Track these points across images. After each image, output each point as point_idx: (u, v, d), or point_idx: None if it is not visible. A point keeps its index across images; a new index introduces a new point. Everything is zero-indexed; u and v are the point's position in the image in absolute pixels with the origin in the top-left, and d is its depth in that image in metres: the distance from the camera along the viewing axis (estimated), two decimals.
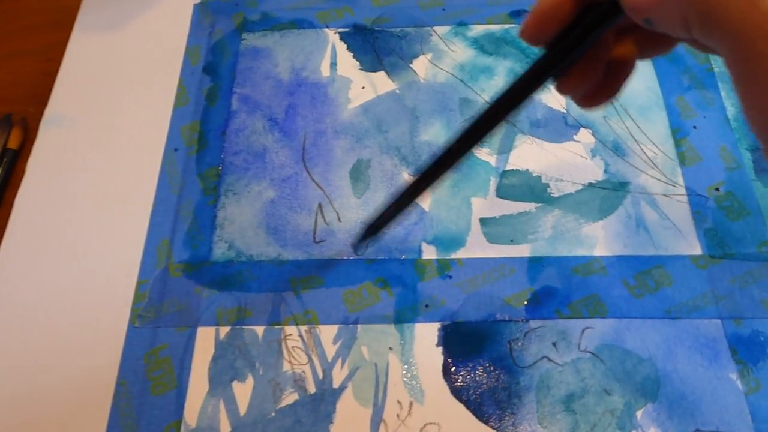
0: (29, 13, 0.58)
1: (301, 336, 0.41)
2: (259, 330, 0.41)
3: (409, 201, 0.37)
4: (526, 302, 0.42)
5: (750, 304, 0.41)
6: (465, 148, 0.32)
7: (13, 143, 0.49)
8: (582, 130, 0.48)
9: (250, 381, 0.40)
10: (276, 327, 0.41)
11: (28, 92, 0.53)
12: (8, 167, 0.48)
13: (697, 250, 0.43)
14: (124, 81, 0.52)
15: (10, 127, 0.50)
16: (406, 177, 0.46)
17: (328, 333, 0.41)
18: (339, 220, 0.45)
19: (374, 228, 0.40)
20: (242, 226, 0.45)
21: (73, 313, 0.42)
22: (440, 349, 0.40)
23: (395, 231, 0.44)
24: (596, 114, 0.48)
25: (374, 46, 0.53)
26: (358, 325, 0.41)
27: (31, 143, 0.49)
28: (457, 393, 0.39)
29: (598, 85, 0.30)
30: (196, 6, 0.56)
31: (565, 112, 0.49)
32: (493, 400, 0.39)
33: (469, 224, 0.44)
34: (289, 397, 0.39)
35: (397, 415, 0.38)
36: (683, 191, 0.45)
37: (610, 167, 0.46)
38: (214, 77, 0.51)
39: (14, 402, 0.40)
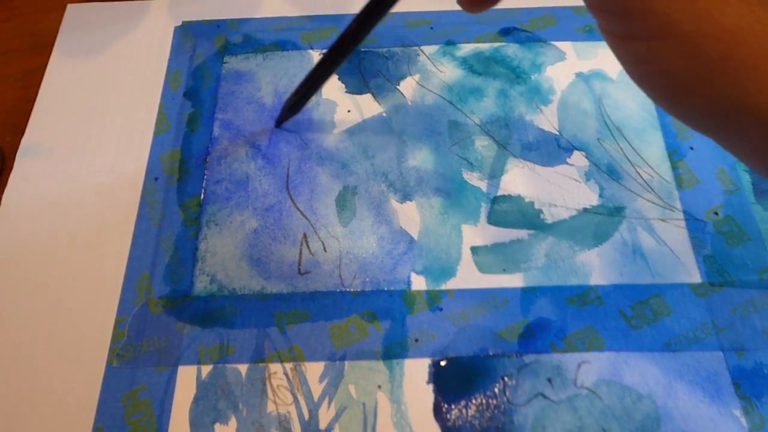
0: (5, 38, 0.56)
1: (286, 374, 0.39)
2: (243, 368, 0.40)
3: (323, 76, 0.43)
4: (519, 335, 0.40)
5: (752, 335, 0.40)
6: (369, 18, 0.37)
7: None
8: (575, 152, 0.46)
9: (233, 423, 0.38)
10: (260, 365, 0.40)
11: (4, 121, 0.51)
12: None
13: (696, 277, 0.42)
14: (103, 108, 0.50)
15: None
16: (393, 204, 0.44)
17: (314, 370, 0.39)
18: (325, 250, 0.43)
19: (293, 106, 0.45)
20: (224, 258, 0.43)
21: (47, 352, 0.40)
22: (431, 386, 0.39)
23: (383, 261, 0.42)
24: (590, 136, 0.47)
25: (360, 68, 0.51)
26: (346, 362, 0.40)
27: (7, 173, 0.48)
28: None
29: None
30: (177, 28, 0.54)
31: (557, 134, 0.47)
32: None
33: (459, 253, 0.43)
34: None
35: None
36: (681, 215, 0.44)
37: (605, 191, 0.45)
38: (196, 102, 0.50)
39: None
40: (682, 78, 0.22)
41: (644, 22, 0.22)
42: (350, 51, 0.41)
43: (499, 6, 0.54)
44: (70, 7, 0.57)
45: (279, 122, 0.48)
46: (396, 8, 0.53)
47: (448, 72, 0.50)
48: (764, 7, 0.21)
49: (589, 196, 0.45)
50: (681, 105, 0.24)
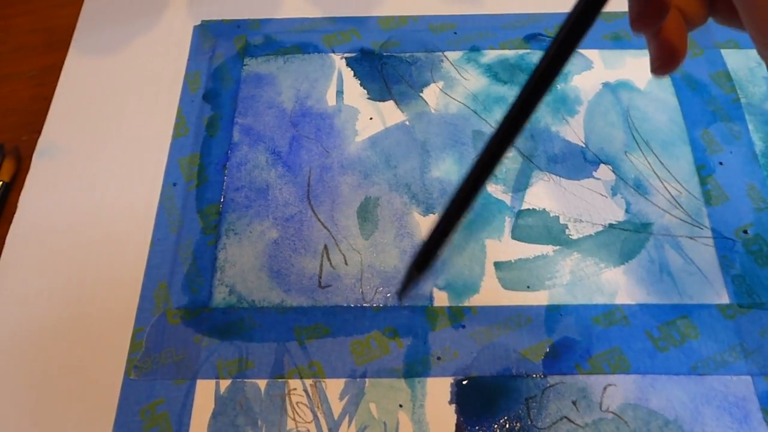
0: (21, 34, 0.55)
1: (306, 390, 0.39)
2: (262, 383, 0.39)
3: (453, 223, 0.31)
4: (543, 356, 0.39)
5: None
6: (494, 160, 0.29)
7: (5, 175, 0.47)
8: (602, 166, 0.45)
9: None
10: (279, 380, 0.39)
11: (20, 119, 0.51)
12: (0, 201, 0.46)
13: (724, 298, 0.41)
14: (121, 108, 0.50)
15: (3, 158, 0.48)
16: (416, 217, 0.44)
17: (334, 387, 0.39)
18: (346, 263, 0.42)
19: (419, 265, 0.32)
20: (244, 269, 0.42)
21: (65, 363, 0.40)
22: (453, 406, 0.38)
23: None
24: (617, 149, 0.46)
25: (382, 73, 0.50)
26: (366, 379, 0.39)
27: (24, 174, 0.47)
28: None
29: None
30: (196, 28, 0.53)
31: (584, 146, 0.46)
32: None
33: (483, 269, 0.42)
34: None
35: None
36: (709, 233, 0.43)
37: (632, 207, 0.44)
38: (215, 106, 0.49)
39: None
40: None
41: None
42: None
43: (524, 11, 0.53)
44: (87, 2, 0.56)
45: (404, 293, 0.34)
46: (419, 11, 0.52)
47: (472, 80, 0.50)
48: None
49: (615, 212, 0.44)
50: None
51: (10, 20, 0.56)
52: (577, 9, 0.25)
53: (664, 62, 0.30)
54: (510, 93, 0.49)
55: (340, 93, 0.49)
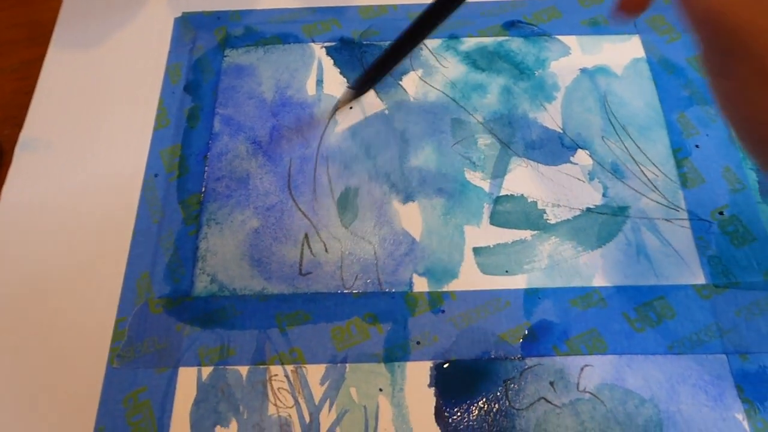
0: (4, 28, 0.56)
1: (287, 376, 0.39)
2: (243, 370, 0.39)
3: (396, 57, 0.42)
4: (522, 338, 0.40)
5: (756, 338, 0.39)
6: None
7: None
8: (579, 151, 0.46)
9: (233, 426, 0.38)
10: (261, 367, 0.39)
11: (2, 114, 0.51)
12: None
13: (700, 278, 0.41)
14: (102, 101, 0.50)
15: None
16: (395, 205, 0.44)
17: (315, 373, 0.39)
18: (326, 251, 0.43)
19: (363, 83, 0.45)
20: (225, 258, 0.43)
21: (49, 352, 0.40)
22: (432, 389, 0.38)
23: (385, 262, 0.42)
24: (594, 134, 0.46)
25: (362, 62, 0.50)
26: (347, 364, 0.39)
27: (6, 168, 0.47)
28: None
29: None
30: (177, 20, 0.53)
31: (561, 132, 0.46)
32: None
33: (462, 254, 0.42)
34: None
35: None
36: (685, 215, 0.43)
37: (609, 191, 0.44)
38: (196, 97, 0.49)
39: None
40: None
41: (745, 62, 0.22)
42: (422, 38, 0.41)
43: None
44: None
45: (357, 86, 0.48)
46: (398, 0, 0.52)
47: (451, 67, 0.50)
48: None
49: (592, 196, 0.44)
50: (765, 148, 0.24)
51: None
52: None
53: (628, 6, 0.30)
54: (488, 80, 0.49)
55: (320, 82, 0.49)
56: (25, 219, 0.45)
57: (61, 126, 0.49)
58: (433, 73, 0.50)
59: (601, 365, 0.39)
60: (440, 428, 0.37)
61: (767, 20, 0.21)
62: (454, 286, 0.41)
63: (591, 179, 0.45)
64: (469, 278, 0.42)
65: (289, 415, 0.38)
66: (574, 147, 0.46)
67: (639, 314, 0.40)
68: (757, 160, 0.27)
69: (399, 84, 0.49)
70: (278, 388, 0.39)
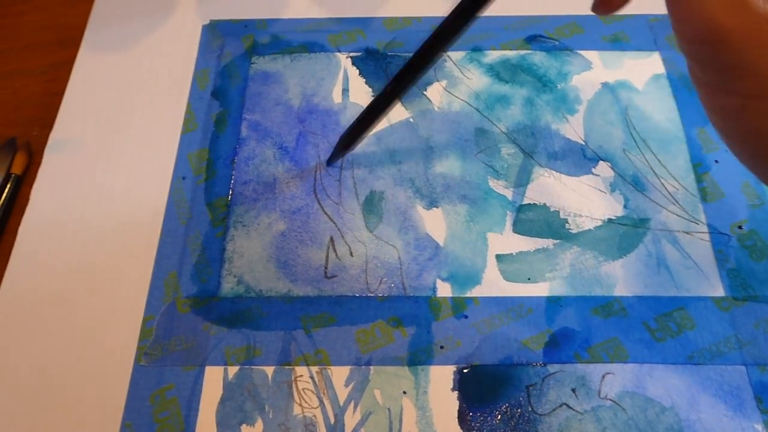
0: (33, 31, 0.57)
1: (312, 377, 0.40)
2: (269, 370, 0.40)
3: (378, 114, 0.41)
4: (544, 345, 0.40)
5: None
6: (429, 55, 0.36)
7: (17, 168, 0.48)
8: (601, 163, 0.47)
9: (259, 425, 0.38)
10: (286, 367, 0.40)
11: (32, 114, 0.52)
12: (12, 193, 0.47)
13: (719, 291, 0.42)
14: (131, 104, 0.51)
15: (14, 152, 0.49)
16: (420, 210, 0.45)
17: (339, 374, 0.40)
18: (351, 254, 0.43)
19: (346, 142, 0.44)
20: (251, 260, 0.43)
21: (77, 351, 0.41)
22: (456, 393, 0.39)
23: (409, 267, 0.43)
24: (615, 147, 0.47)
25: (387, 72, 0.51)
26: (371, 367, 0.40)
27: (35, 168, 0.48)
28: None
29: None
30: (205, 27, 0.54)
31: (583, 143, 0.47)
32: None
33: (485, 261, 0.43)
34: None
35: None
36: (705, 229, 0.44)
37: (630, 202, 0.45)
38: (223, 102, 0.50)
39: None
40: None
41: (744, 81, 0.22)
42: (407, 88, 0.39)
43: (525, 13, 0.54)
44: (98, 0, 0.57)
45: (331, 160, 0.47)
46: (423, 12, 0.53)
47: (474, 79, 0.51)
48: None
49: (614, 207, 0.45)
50: (765, 166, 0.24)
51: (22, 17, 0.57)
52: None
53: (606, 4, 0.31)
54: (512, 92, 0.50)
55: (345, 91, 0.50)
56: (54, 219, 0.46)
57: (90, 127, 0.50)
58: (457, 84, 0.50)
59: (622, 373, 0.39)
60: (463, 431, 0.38)
61: None
62: (477, 292, 0.42)
63: (612, 191, 0.45)
64: (492, 285, 0.42)
65: (314, 416, 0.39)
66: (595, 159, 0.47)
67: (659, 324, 0.41)
68: (759, 175, 0.27)
69: (423, 94, 0.50)
70: (303, 389, 0.39)
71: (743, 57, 0.22)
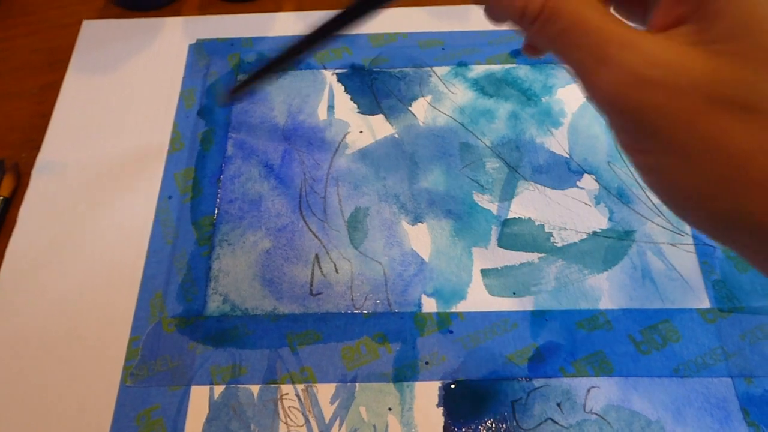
0: (22, 54, 0.57)
1: (297, 395, 0.40)
2: (255, 389, 0.40)
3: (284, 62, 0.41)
4: (529, 359, 0.40)
5: (761, 362, 0.40)
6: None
7: (5, 190, 0.48)
8: (586, 176, 0.47)
9: None
10: (272, 385, 0.40)
11: (20, 136, 0.52)
12: (0, 215, 0.47)
13: (705, 303, 0.42)
14: (118, 125, 0.51)
15: (3, 174, 0.49)
16: (405, 226, 0.45)
17: (325, 392, 0.40)
18: (336, 271, 0.44)
19: (245, 84, 0.45)
20: (237, 278, 0.44)
21: (63, 371, 0.41)
22: (441, 409, 0.39)
23: (394, 283, 0.43)
24: (600, 159, 0.47)
25: (372, 88, 0.52)
26: (357, 384, 0.40)
27: (23, 190, 0.48)
28: None
29: None
30: (191, 46, 0.55)
31: (568, 157, 0.47)
32: None
33: (470, 275, 0.43)
34: None
35: None
36: (690, 240, 0.44)
37: (615, 215, 0.45)
38: (209, 121, 0.50)
39: None
40: (689, 192, 0.22)
41: (652, 139, 0.22)
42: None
43: (509, 28, 0.55)
44: (86, 22, 0.57)
45: (232, 93, 0.48)
46: (408, 28, 0.54)
47: (459, 93, 0.51)
48: None
49: (599, 220, 0.45)
50: (688, 216, 0.24)
51: (13, 41, 0.58)
52: None
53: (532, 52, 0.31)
54: (496, 106, 0.50)
55: (331, 108, 0.51)
56: (41, 240, 0.46)
57: (78, 149, 0.50)
58: (441, 99, 0.51)
59: (607, 387, 0.39)
60: None
61: (670, 100, 0.21)
62: (462, 307, 0.42)
63: (597, 203, 0.46)
64: (477, 299, 0.42)
65: None
66: (580, 172, 0.47)
67: (645, 337, 0.41)
68: (691, 225, 0.27)
69: (408, 110, 0.50)
70: (289, 407, 0.39)
71: (649, 119, 0.22)
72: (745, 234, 0.22)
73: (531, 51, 0.31)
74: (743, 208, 0.21)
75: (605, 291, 0.42)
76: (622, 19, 0.24)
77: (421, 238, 0.44)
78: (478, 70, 0.52)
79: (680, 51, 0.21)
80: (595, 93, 0.23)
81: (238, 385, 0.40)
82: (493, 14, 0.27)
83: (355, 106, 0.51)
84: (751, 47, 0.20)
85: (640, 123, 0.22)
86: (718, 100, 0.20)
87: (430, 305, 0.42)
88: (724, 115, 0.20)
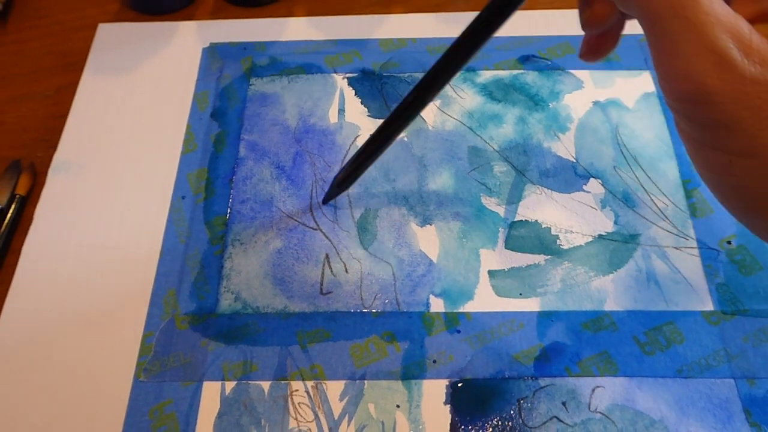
0: (39, 56, 0.58)
1: (307, 392, 0.40)
2: (265, 385, 0.41)
3: (374, 154, 0.42)
4: (535, 359, 0.41)
5: (764, 364, 0.40)
6: (423, 98, 0.36)
7: (22, 189, 0.49)
8: (592, 180, 0.47)
9: None
10: (282, 382, 0.41)
11: (37, 136, 0.53)
12: (16, 214, 0.48)
13: (709, 305, 0.43)
14: (132, 126, 0.52)
15: (19, 173, 0.50)
16: (414, 227, 0.46)
17: (334, 389, 0.41)
18: (346, 271, 0.44)
19: (342, 182, 0.44)
20: (249, 277, 0.44)
21: (78, 366, 0.42)
22: (448, 407, 0.40)
23: (403, 283, 0.44)
24: (606, 164, 0.48)
25: (382, 92, 0.52)
26: (365, 381, 0.41)
27: (39, 189, 0.49)
28: None
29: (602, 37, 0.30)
30: (204, 50, 0.56)
31: (574, 161, 0.48)
32: None
33: (477, 277, 0.44)
34: None
35: None
36: (694, 244, 0.45)
37: (620, 218, 0.46)
38: (222, 123, 0.51)
39: None
40: (758, 196, 0.22)
41: (732, 139, 0.22)
42: (401, 129, 0.40)
43: (518, 33, 0.56)
44: (101, 26, 0.58)
45: (327, 199, 0.47)
46: (418, 34, 0.55)
47: (468, 98, 0.52)
48: None
49: (604, 223, 0.46)
50: (752, 219, 0.24)
51: (28, 44, 0.59)
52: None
53: (593, 54, 0.31)
54: (504, 111, 0.51)
55: (341, 111, 0.52)
56: (56, 239, 0.47)
57: (93, 149, 0.51)
58: (450, 103, 0.52)
59: (612, 387, 0.40)
60: None
61: (757, 99, 0.21)
62: (469, 307, 0.43)
63: (603, 207, 0.46)
64: (484, 300, 0.43)
65: (309, 429, 0.39)
66: (586, 176, 0.48)
67: (649, 338, 0.41)
68: (747, 226, 0.27)
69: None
70: (299, 403, 0.40)
71: (729, 116, 0.22)
72: None
73: (589, 55, 0.31)
74: None
75: (610, 293, 0.43)
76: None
77: (430, 240, 0.45)
78: (486, 75, 0.53)
79: None
80: (676, 76, 0.22)
81: (249, 382, 0.41)
82: None
83: (366, 109, 0.52)
84: None
85: (723, 118, 0.22)
86: None
87: (438, 305, 0.43)
88: None
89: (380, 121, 0.48)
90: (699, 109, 0.23)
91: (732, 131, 0.22)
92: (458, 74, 0.35)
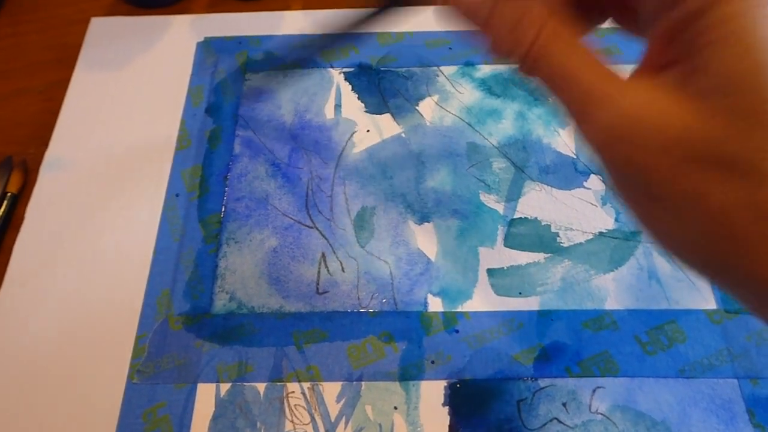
0: (31, 51, 0.57)
1: (303, 393, 0.40)
2: (261, 387, 0.40)
3: None
4: (535, 359, 0.40)
5: (767, 363, 0.40)
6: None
7: (13, 187, 0.48)
8: (592, 176, 0.47)
9: None
10: (278, 384, 0.40)
11: (29, 133, 0.52)
12: (8, 212, 0.48)
13: (711, 304, 0.42)
14: (126, 122, 0.51)
15: (11, 170, 0.49)
16: (411, 225, 0.45)
17: (331, 390, 0.40)
18: (343, 270, 0.44)
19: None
20: (244, 276, 0.44)
21: (70, 367, 0.41)
22: (446, 408, 0.39)
23: (400, 282, 0.43)
24: None
25: (379, 87, 0.52)
26: (362, 382, 0.40)
27: (31, 186, 0.49)
28: None
29: None
30: (199, 44, 0.55)
31: (575, 157, 0.47)
32: None
33: (476, 275, 0.43)
34: None
35: None
36: None
37: (621, 216, 0.45)
38: (217, 119, 0.51)
39: None
40: (681, 243, 0.22)
41: (641, 191, 0.22)
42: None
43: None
44: (94, 20, 0.57)
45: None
46: (416, 28, 0.54)
47: (466, 93, 0.51)
48: None
49: (605, 220, 0.45)
50: (685, 264, 0.24)
51: (22, 38, 0.58)
52: None
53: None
54: (503, 106, 0.50)
55: (338, 106, 0.51)
56: (48, 237, 0.46)
57: (86, 146, 0.50)
58: (448, 98, 0.51)
59: (612, 387, 0.39)
60: None
61: (653, 157, 0.21)
62: (468, 306, 0.42)
63: (604, 204, 0.46)
64: (483, 299, 0.42)
65: None
66: (587, 172, 0.47)
67: (650, 337, 0.41)
68: (686, 268, 0.26)
69: (416, 109, 0.50)
70: (295, 405, 0.39)
71: (635, 176, 0.22)
72: (740, 287, 0.22)
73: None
74: (733, 262, 0.21)
75: (611, 291, 0.42)
76: (607, 67, 0.23)
77: (428, 238, 0.44)
78: (485, 70, 0.52)
79: (663, 105, 0.20)
80: (584, 139, 0.23)
81: (245, 383, 0.40)
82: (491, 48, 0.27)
83: (362, 105, 0.51)
84: (734, 104, 0.20)
85: (628, 175, 0.22)
86: (698, 158, 0.20)
87: (436, 304, 0.42)
88: (705, 173, 0.20)
89: (378, 117, 0.48)
90: (606, 167, 0.23)
91: (638, 186, 0.22)
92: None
